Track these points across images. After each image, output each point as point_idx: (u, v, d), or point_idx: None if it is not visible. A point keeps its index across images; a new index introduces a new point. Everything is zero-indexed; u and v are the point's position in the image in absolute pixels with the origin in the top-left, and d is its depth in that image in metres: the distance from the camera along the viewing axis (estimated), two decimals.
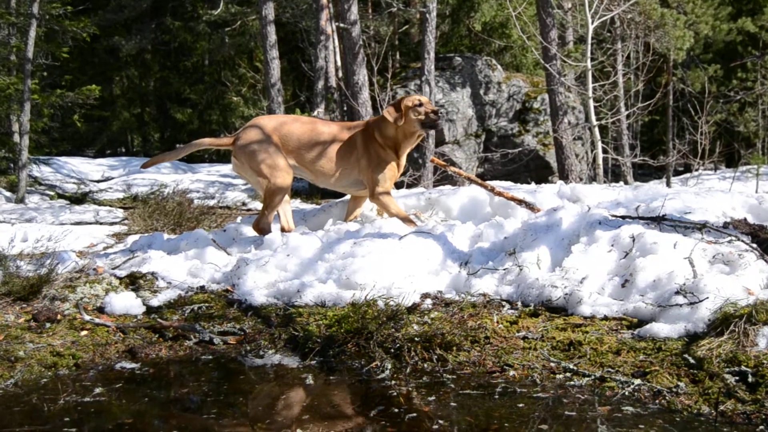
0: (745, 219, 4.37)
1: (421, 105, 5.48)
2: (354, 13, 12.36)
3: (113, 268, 5.00)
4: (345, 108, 14.16)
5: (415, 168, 12.23)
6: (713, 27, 20.40)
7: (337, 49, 15.55)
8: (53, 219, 9.27)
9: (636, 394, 2.97)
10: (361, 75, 12.44)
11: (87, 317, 4.08)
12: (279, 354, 3.72)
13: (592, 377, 3.13)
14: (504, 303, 4.03)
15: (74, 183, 14.17)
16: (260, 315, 4.17)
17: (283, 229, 5.60)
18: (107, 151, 24.57)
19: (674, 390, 2.93)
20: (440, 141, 14.15)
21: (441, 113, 5.57)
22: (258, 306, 4.28)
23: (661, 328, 3.38)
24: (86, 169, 15.73)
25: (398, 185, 10.07)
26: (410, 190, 6.96)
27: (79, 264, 4.94)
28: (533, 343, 3.50)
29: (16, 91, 11.84)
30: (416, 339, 3.53)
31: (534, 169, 14.39)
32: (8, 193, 11.74)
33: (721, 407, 2.78)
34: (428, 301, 4.10)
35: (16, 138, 12.19)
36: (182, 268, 4.94)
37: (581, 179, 13.02)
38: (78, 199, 12.28)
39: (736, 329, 3.14)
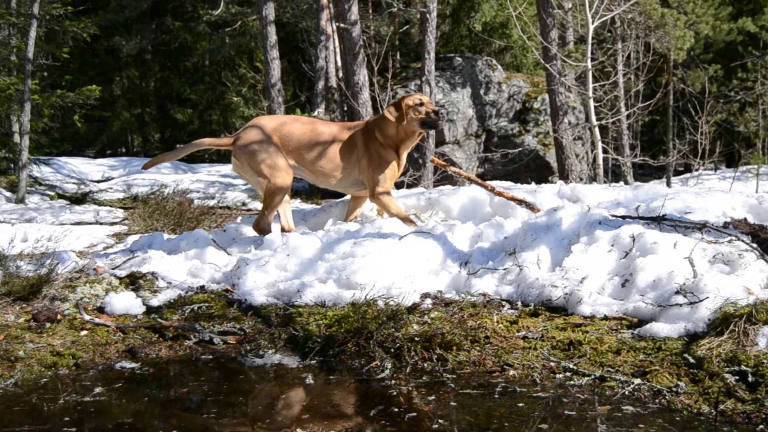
0: (745, 219, 4.37)
1: (422, 104, 5.48)
2: (354, 13, 12.36)
3: (113, 268, 5.00)
4: (345, 108, 14.16)
5: (415, 168, 12.23)
6: (713, 27, 20.39)
7: (338, 50, 15.56)
8: (53, 219, 9.28)
9: (636, 393, 2.97)
10: (362, 75, 12.44)
11: (87, 317, 4.08)
12: (279, 354, 3.72)
13: (592, 377, 3.13)
14: (504, 303, 4.03)
15: (74, 183, 14.18)
16: (260, 315, 4.17)
17: (283, 229, 5.60)
18: (107, 151, 24.57)
19: (674, 389, 2.93)
20: (440, 141, 14.15)
21: (442, 113, 5.57)
22: (258, 306, 4.28)
23: (661, 328, 3.38)
24: (86, 169, 15.73)
25: (398, 185, 10.07)
26: (410, 190, 6.97)
27: (79, 264, 4.94)
28: (533, 343, 3.50)
29: (17, 91, 11.84)
30: (416, 339, 3.53)
31: (534, 169, 14.39)
32: (8, 194, 11.74)
33: (721, 407, 2.78)
34: (428, 301, 4.10)
35: (17, 138, 12.20)
36: (182, 268, 4.94)
37: (581, 179, 13.03)
38: (78, 199, 12.28)
39: (736, 329, 3.14)
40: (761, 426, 2.64)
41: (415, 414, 2.89)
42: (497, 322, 3.75)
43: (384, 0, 15.63)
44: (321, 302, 4.17)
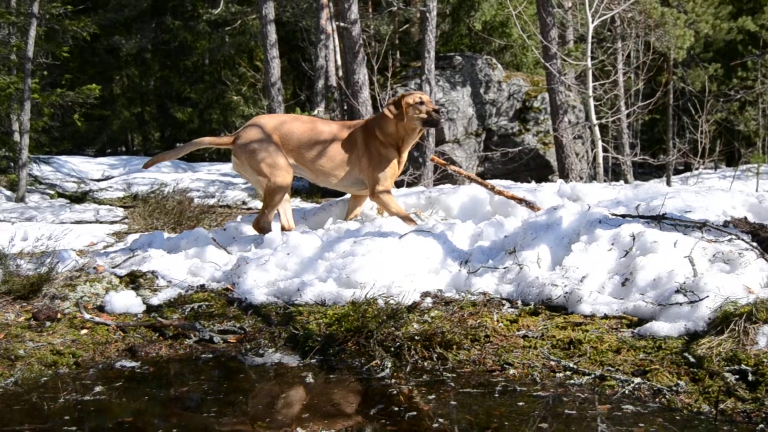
0: (746, 218, 4.37)
1: (422, 103, 5.48)
2: (354, 12, 12.35)
3: (113, 267, 5.00)
4: (345, 107, 14.15)
5: (415, 167, 12.22)
6: (713, 26, 20.39)
7: (338, 48, 15.55)
8: (53, 218, 9.28)
9: (636, 392, 2.97)
10: (362, 74, 12.43)
11: (87, 316, 4.08)
12: (279, 352, 3.72)
13: (592, 376, 3.13)
14: (504, 302, 4.04)
15: (74, 182, 14.18)
16: (260, 313, 4.17)
17: (283, 228, 5.60)
18: (107, 150, 24.58)
19: (674, 388, 2.93)
20: (440, 140, 14.15)
21: (442, 111, 5.56)
22: (258, 304, 4.28)
23: (661, 327, 3.38)
24: (86, 168, 15.73)
25: (398, 184, 10.06)
26: (410, 188, 6.96)
27: (79, 263, 4.94)
28: (533, 342, 3.50)
29: (17, 90, 11.84)
30: (416, 337, 3.53)
31: (534, 168, 14.39)
32: (8, 192, 11.74)
33: (721, 406, 2.78)
34: (428, 300, 4.10)
35: (17, 137, 12.20)
36: (182, 267, 4.94)
37: (581, 178, 13.02)
38: (78, 198, 12.29)
39: (737, 328, 3.14)
40: (761, 425, 2.64)
41: (415, 413, 2.89)
42: (497, 321, 3.75)
43: None
44: (321, 301, 4.17)
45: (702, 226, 4.15)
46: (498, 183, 6.35)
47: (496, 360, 3.39)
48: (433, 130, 12.61)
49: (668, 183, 14.90)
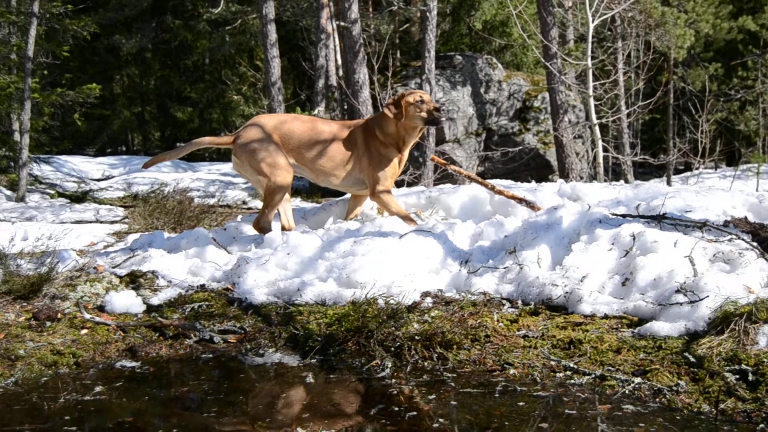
0: (746, 217, 4.37)
1: (422, 102, 5.47)
2: (354, 11, 12.35)
3: (113, 267, 5.00)
4: (345, 107, 14.15)
5: (415, 166, 12.22)
6: (714, 25, 20.38)
7: (338, 48, 15.55)
8: (53, 218, 9.28)
9: (636, 392, 2.97)
10: (362, 73, 12.43)
11: (87, 316, 4.08)
12: (279, 352, 3.72)
13: (593, 376, 3.13)
14: (504, 301, 4.04)
15: (75, 182, 14.18)
16: (260, 313, 4.17)
17: (283, 228, 5.60)
18: (108, 149, 24.58)
19: (674, 388, 2.93)
20: (441, 139, 14.15)
21: (443, 109, 5.55)
22: (258, 304, 4.28)
23: (661, 327, 3.38)
24: (87, 167, 15.73)
25: (398, 183, 10.06)
26: (411, 188, 6.96)
27: (79, 263, 4.94)
28: (533, 342, 3.50)
29: (17, 89, 11.84)
30: (416, 337, 3.53)
31: (534, 168, 14.39)
32: (9, 192, 11.74)
33: (722, 406, 2.78)
34: (428, 300, 4.10)
35: (17, 136, 12.20)
36: (182, 267, 4.94)
37: (582, 178, 13.02)
38: (78, 197, 12.28)
39: (737, 328, 3.14)
40: (761, 425, 2.64)
41: (415, 413, 2.89)
42: (497, 320, 3.75)
43: None
44: (321, 301, 4.17)
45: (702, 225, 4.15)
46: (498, 183, 6.35)
47: (497, 360, 3.39)
48: (433, 130, 12.62)
49: (668, 183, 14.90)
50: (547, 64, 12.79)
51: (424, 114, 5.47)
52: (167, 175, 14.61)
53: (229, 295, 4.46)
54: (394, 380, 3.27)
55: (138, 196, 11.70)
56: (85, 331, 3.95)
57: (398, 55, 19.35)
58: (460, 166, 12.87)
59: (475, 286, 4.18)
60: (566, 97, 13.71)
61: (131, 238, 6.47)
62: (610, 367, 3.18)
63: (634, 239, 4.08)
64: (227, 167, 15.93)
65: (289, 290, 4.33)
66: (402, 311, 3.65)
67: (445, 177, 12.24)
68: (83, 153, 20.65)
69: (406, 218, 5.37)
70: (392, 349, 3.53)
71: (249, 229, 5.66)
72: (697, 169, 16.58)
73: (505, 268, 4.27)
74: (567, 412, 2.82)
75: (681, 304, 3.46)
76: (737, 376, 2.92)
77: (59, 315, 4.06)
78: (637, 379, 3.03)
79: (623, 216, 4.43)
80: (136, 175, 14.60)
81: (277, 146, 5.51)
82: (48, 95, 12.63)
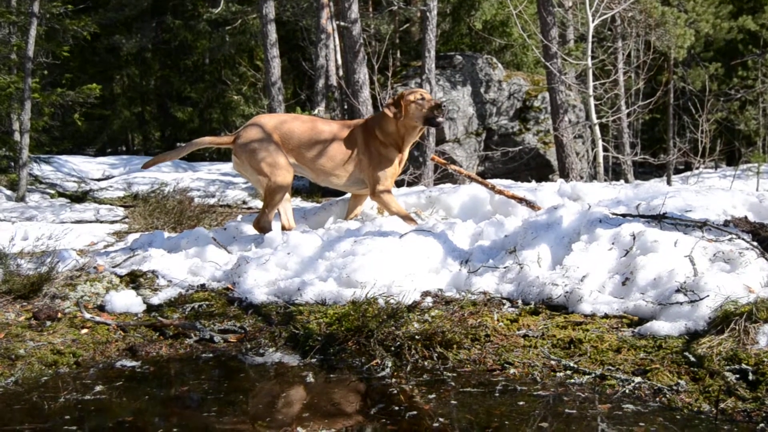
0: (746, 217, 4.37)
1: (423, 99, 5.48)
2: (354, 11, 12.35)
3: (114, 267, 5.00)
4: (345, 106, 14.15)
5: (415, 166, 12.22)
6: (714, 25, 20.37)
7: (338, 48, 15.54)
8: (54, 217, 9.28)
9: (636, 392, 2.97)
10: (362, 73, 12.43)
11: (87, 315, 4.08)
12: (279, 352, 3.72)
13: (593, 375, 3.13)
14: (504, 301, 4.04)
15: (75, 181, 14.18)
16: (261, 313, 4.17)
17: (283, 228, 5.60)
18: (108, 149, 24.57)
19: (675, 388, 2.93)
20: (441, 139, 14.15)
21: (444, 106, 5.54)
22: (258, 304, 4.28)
23: (661, 326, 3.38)
24: (87, 167, 15.73)
25: (399, 183, 10.06)
26: (411, 188, 6.96)
27: (79, 262, 4.94)
28: (534, 341, 3.50)
29: (17, 89, 11.83)
30: (417, 337, 3.53)
31: (534, 168, 14.39)
32: (9, 192, 11.74)
33: (722, 405, 2.78)
34: (429, 300, 4.10)
35: (17, 136, 12.19)
36: (183, 267, 4.94)
37: (582, 177, 13.01)
38: (78, 197, 12.29)
39: (737, 327, 3.14)
40: (762, 424, 2.64)
41: (415, 412, 2.89)
42: (498, 320, 3.75)
43: None
44: (321, 300, 4.17)
45: (702, 225, 4.15)
46: (498, 182, 6.35)
47: (497, 359, 3.39)
48: (433, 130, 12.60)
49: (669, 182, 14.90)
50: (547, 63, 12.79)
51: (425, 111, 5.47)
52: (167, 174, 14.62)
53: (230, 295, 4.46)
54: (394, 380, 3.27)
55: (138, 196, 11.71)
56: (85, 330, 3.95)
57: (398, 54, 19.34)
58: (461, 166, 12.86)
59: (476, 286, 4.18)
60: (566, 97, 13.71)
61: (131, 237, 6.47)
62: (610, 367, 3.18)
63: (634, 239, 4.08)
64: (227, 167, 15.93)
65: (289, 290, 4.33)
66: (402, 311, 3.65)
67: (445, 177, 12.24)
68: (83, 153, 20.64)
69: (407, 218, 5.37)
70: (392, 348, 3.53)
71: (249, 229, 5.66)
72: (697, 168, 16.58)
73: (505, 267, 4.27)
74: (567, 412, 2.82)
75: (681, 303, 3.46)
76: (737, 376, 2.92)
77: (59, 314, 4.06)
78: (638, 379, 3.03)
79: (623, 216, 4.43)
80: (136, 174, 14.60)
81: (277, 146, 5.51)
82: (48, 95, 12.63)
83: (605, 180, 11.57)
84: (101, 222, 8.93)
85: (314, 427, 2.75)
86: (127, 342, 3.87)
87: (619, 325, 3.56)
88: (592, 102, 11.66)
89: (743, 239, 3.92)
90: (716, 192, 5.04)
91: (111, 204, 11.40)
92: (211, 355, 3.74)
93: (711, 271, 3.72)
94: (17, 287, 4.25)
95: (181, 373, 3.52)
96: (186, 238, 5.45)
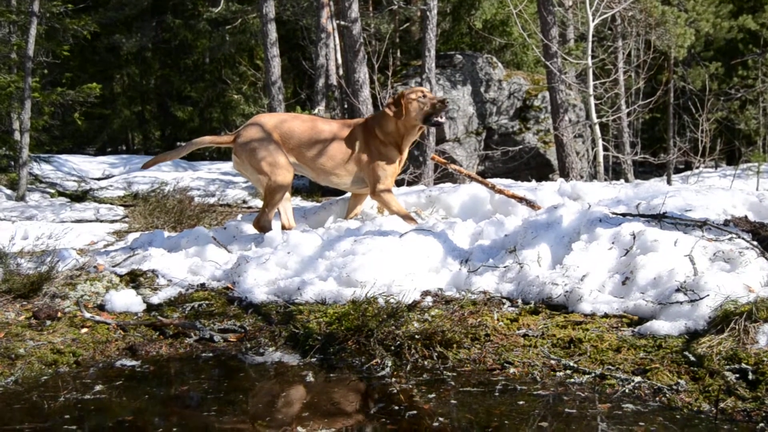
0: (746, 217, 4.37)
1: (425, 97, 5.48)
2: (354, 10, 12.34)
3: (114, 266, 5.00)
4: (346, 106, 14.14)
5: (415, 166, 12.22)
6: (714, 24, 20.37)
7: (338, 47, 15.54)
8: (54, 217, 9.28)
9: (636, 391, 2.97)
10: (362, 73, 12.42)
11: (87, 315, 4.08)
12: (279, 351, 3.72)
13: (593, 374, 3.13)
14: (504, 300, 4.04)
15: (75, 181, 14.18)
16: (261, 312, 4.17)
17: (283, 227, 5.60)
18: (108, 148, 24.59)
19: (674, 387, 2.93)
20: (441, 139, 14.15)
21: (447, 101, 5.53)
22: (258, 303, 4.28)
23: (661, 326, 3.38)
24: (87, 166, 15.74)
25: (399, 182, 10.06)
26: (411, 187, 6.96)
27: (79, 262, 4.94)
28: (533, 341, 3.50)
29: (17, 89, 11.84)
30: (416, 336, 3.53)
31: (535, 167, 14.39)
32: (9, 191, 11.74)
33: (722, 405, 2.78)
34: (429, 299, 4.10)
35: (17, 136, 12.20)
36: (183, 266, 4.94)
37: (582, 177, 13.01)
38: (78, 196, 12.29)
39: (737, 327, 3.14)
40: (761, 424, 2.64)
41: (415, 412, 2.89)
42: (498, 319, 3.75)
43: None
44: (321, 300, 4.17)
45: (702, 224, 4.15)
46: (498, 182, 6.35)
47: (497, 359, 3.39)
48: (433, 129, 12.61)
49: (669, 182, 14.90)
50: (548, 63, 12.79)
51: (427, 108, 5.47)
52: (167, 174, 14.62)
53: (230, 294, 4.46)
54: (394, 379, 3.27)
55: (138, 195, 11.72)
56: (85, 330, 3.95)
57: (398, 54, 19.33)
58: (461, 165, 12.87)
59: (475, 285, 4.18)
60: (566, 96, 13.71)
61: (131, 237, 6.47)
62: (610, 366, 3.18)
63: (634, 238, 4.08)
64: (227, 166, 15.93)
65: (289, 289, 4.33)
66: (402, 310, 3.65)
67: (445, 176, 12.23)
68: (83, 152, 20.67)
69: (407, 217, 5.37)
70: (392, 347, 3.53)
71: (249, 228, 5.66)
72: (697, 168, 16.58)
73: (505, 267, 4.27)
74: (567, 411, 2.82)
75: (681, 303, 3.46)
76: (737, 375, 2.92)
77: (59, 314, 4.06)
78: (637, 378, 3.03)
79: (623, 215, 4.42)
80: (137, 174, 14.61)
81: (277, 145, 5.51)
82: (48, 94, 12.63)
83: (605, 179, 11.58)
84: (101, 221, 8.94)
85: (314, 426, 2.75)
86: (127, 341, 3.87)
87: (619, 325, 3.56)
88: (592, 101, 11.66)
89: (743, 239, 3.92)
90: (716, 191, 5.04)
91: (111, 203, 11.41)
92: (211, 354, 3.74)
93: (711, 271, 3.72)
94: (17, 286, 4.25)
95: (181, 373, 3.52)
96: (186, 237, 5.45)
